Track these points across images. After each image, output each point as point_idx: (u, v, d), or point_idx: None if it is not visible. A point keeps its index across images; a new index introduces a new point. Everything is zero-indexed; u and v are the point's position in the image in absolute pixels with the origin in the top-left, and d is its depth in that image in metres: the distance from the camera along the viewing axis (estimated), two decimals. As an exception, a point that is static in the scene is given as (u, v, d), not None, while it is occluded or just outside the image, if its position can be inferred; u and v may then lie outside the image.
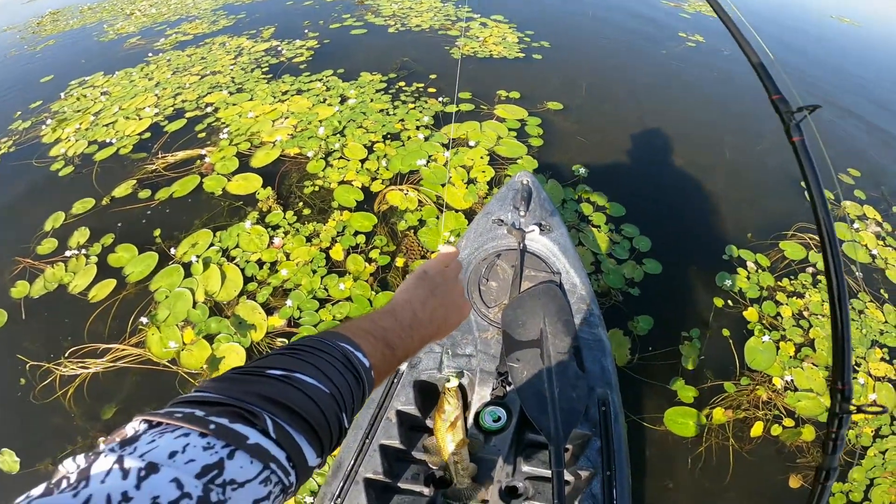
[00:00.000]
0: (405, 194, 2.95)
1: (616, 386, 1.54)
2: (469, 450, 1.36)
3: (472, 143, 3.33)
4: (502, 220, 1.80)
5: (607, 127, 3.75)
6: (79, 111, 4.24)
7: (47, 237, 2.91)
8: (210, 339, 2.31)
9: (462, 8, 5.66)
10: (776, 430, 2.08)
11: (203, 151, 3.42)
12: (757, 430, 2.07)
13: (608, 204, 2.96)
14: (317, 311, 2.39)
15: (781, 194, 3.27)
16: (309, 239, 2.72)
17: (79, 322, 2.44)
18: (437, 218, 2.79)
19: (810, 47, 6.03)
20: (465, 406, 1.49)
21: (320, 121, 3.61)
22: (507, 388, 1.48)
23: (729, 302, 2.51)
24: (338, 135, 3.47)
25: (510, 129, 3.49)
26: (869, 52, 6.45)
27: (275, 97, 3.98)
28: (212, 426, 0.37)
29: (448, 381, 1.48)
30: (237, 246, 2.70)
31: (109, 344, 2.33)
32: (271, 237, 2.73)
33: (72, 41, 6.21)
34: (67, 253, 2.76)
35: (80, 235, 2.87)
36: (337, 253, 2.64)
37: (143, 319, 2.37)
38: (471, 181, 3.05)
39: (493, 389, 1.49)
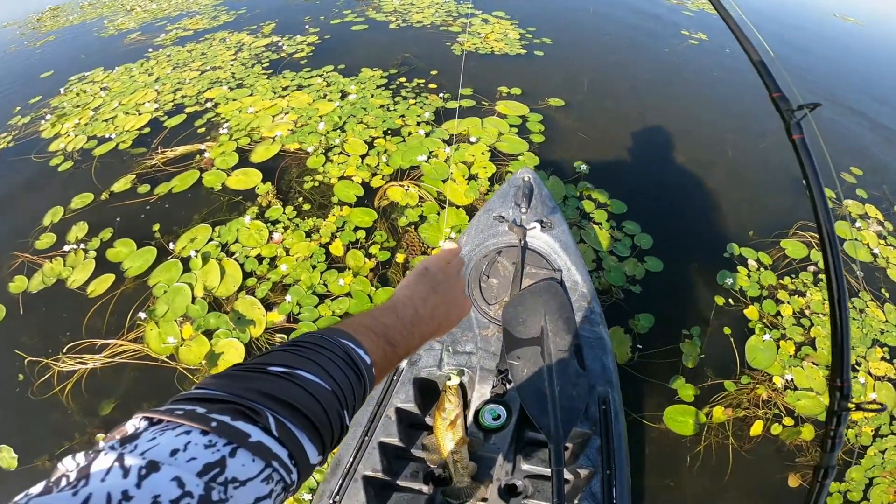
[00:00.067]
0: (406, 190, 2.94)
1: (617, 384, 1.53)
2: (468, 448, 1.36)
3: (473, 139, 3.32)
4: (503, 217, 1.80)
5: (609, 124, 3.74)
6: (78, 106, 4.23)
7: (46, 232, 2.90)
8: (209, 334, 2.30)
9: (464, 3, 5.63)
10: (776, 428, 2.08)
11: (203, 146, 3.40)
12: (756, 428, 2.07)
13: (610, 201, 2.95)
14: (316, 306, 2.39)
15: (783, 192, 3.26)
16: (309, 234, 2.72)
17: (77, 317, 2.43)
18: (439, 214, 2.79)
19: (812, 45, 6.00)
20: (465, 404, 1.49)
21: (320, 116, 3.60)
22: (508, 386, 1.48)
23: (730, 300, 2.51)
24: (338, 130, 3.46)
25: (511, 126, 3.48)
26: (871, 51, 6.43)
27: (275, 93, 3.97)
28: (213, 424, 0.37)
29: (449, 379, 1.48)
30: (236, 241, 2.69)
31: (108, 339, 2.32)
32: (271, 232, 2.72)
33: (72, 37, 6.19)
34: (66, 247, 2.75)
35: (79, 230, 2.86)
36: (337, 248, 2.63)
37: (142, 315, 2.36)
38: (472, 177, 3.05)
39: (494, 387, 1.48)
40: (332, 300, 2.41)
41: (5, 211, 3.20)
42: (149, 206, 2.98)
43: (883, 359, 2.36)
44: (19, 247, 2.82)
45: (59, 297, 2.54)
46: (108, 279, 2.57)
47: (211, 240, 2.70)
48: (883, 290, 2.66)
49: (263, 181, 3.05)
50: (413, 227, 2.75)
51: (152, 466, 0.32)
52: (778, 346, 2.34)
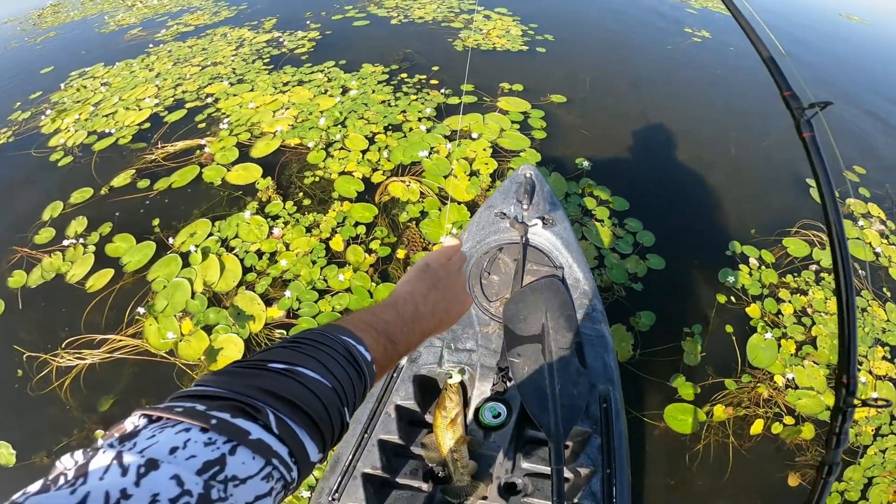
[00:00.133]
0: (407, 186, 2.93)
1: (618, 382, 1.53)
2: (468, 446, 1.36)
3: (474, 135, 3.30)
4: (505, 214, 1.79)
5: (611, 121, 3.73)
6: (79, 102, 4.21)
7: (45, 226, 2.89)
8: (208, 329, 2.30)
9: (466, 0, 5.61)
10: (776, 427, 2.07)
11: (203, 141, 3.39)
12: (757, 427, 2.06)
13: (612, 198, 2.94)
14: (316, 302, 2.38)
15: (786, 190, 3.25)
16: (309, 229, 2.71)
17: (76, 312, 2.42)
18: (440, 210, 2.78)
19: (818, 43, 5.98)
20: (465, 402, 1.49)
21: (321, 112, 3.59)
22: (508, 384, 1.47)
23: (731, 298, 2.50)
24: (339, 125, 3.45)
25: (513, 122, 3.47)
26: (876, 50, 6.41)
27: (276, 88, 3.95)
28: (213, 421, 0.36)
29: (450, 377, 1.47)
30: (236, 236, 2.68)
31: (106, 334, 2.31)
32: (271, 227, 2.71)
33: (73, 32, 6.17)
34: (65, 242, 2.74)
35: (78, 225, 2.85)
36: (337, 244, 2.62)
37: (141, 310, 2.35)
38: (473, 173, 3.04)
39: (494, 385, 1.48)
40: (332, 296, 2.40)
41: (5, 205, 3.19)
42: (148, 201, 2.97)
43: (884, 358, 2.36)
44: (18, 241, 2.82)
45: (58, 292, 2.54)
46: (108, 274, 2.57)
47: (210, 235, 2.69)
48: (885, 290, 2.65)
49: (264, 176, 3.04)
50: (414, 222, 2.74)
51: (151, 465, 0.31)
52: (779, 345, 2.34)
